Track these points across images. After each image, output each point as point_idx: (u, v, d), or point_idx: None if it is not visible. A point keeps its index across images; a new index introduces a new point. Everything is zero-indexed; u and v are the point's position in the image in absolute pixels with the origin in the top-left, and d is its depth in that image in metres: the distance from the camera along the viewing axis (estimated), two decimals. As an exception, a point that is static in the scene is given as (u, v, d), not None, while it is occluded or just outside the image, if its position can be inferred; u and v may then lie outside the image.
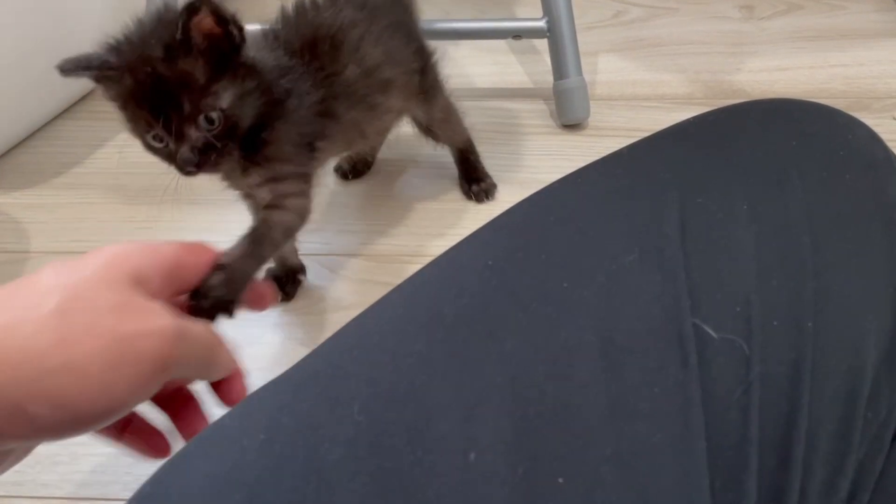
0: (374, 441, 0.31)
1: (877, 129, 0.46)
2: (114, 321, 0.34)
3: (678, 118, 1.00)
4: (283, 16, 0.65)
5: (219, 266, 0.48)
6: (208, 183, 0.68)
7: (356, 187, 0.88)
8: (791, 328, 0.36)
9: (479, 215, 0.84)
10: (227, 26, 0.53)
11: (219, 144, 0.54)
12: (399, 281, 0.76)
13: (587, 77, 0.94)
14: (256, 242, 0.56)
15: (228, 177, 0.63)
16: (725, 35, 1.09)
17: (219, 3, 0.51)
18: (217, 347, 0.43)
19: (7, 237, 0.82)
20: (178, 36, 0.51)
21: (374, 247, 0.81)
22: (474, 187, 0.86)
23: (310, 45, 0.62)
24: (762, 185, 0.41)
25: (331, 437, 0.32)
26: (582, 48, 0.93)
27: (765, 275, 0.37)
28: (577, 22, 0.92)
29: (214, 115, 0.53)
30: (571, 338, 0.35)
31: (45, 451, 0.63)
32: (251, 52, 0.56)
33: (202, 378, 0.43)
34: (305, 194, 0.63)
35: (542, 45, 1.01)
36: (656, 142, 0.48)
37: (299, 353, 0.70)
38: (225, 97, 0.54)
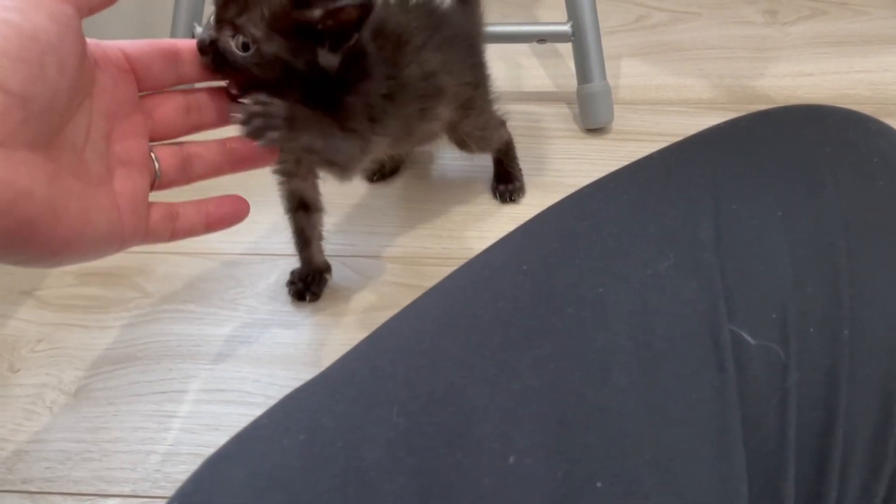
0: (414, 443, 0.31)
1: (904, 137, 0.46)
2: None
3: (702, 123, 1.00)
4: None
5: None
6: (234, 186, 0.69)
7: (382, 189, 0.89)
8: (827, 335, 0.36)
9: (502, 218, 0.84)
10: (348, 38, 0.54)
11: (239, 63, 0.51)
12: (424, 283, 0.77)
13: (610, 81, 0.94)
14: (319, 117, 0.56)
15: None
16: (749, 40, 1.08)
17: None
18: None
19: None
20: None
21: (399, 249, 0.81)
22: (501, 187, 0.86)
23: (378, 35, 0.64)
24: (796, 192, 0.41)
25: (370, 438, 0.32)
26: (605, 52, 0.93)
27: (800, 281, 0.38)
28: (599, 26, 0.93)
29: (251, 45, 0.51)
30: (608, 342, 0.35)
31: (77, 447, 0.64)
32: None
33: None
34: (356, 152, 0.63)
35: (565, 48, 1.01)
36: (688, 146, 0.48)
37: (325, 354, 0.71)
38: (272, 46, 0.52)
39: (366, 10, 0.52)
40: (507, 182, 0.87)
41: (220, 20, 0.51)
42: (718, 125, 0.49)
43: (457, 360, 0.35)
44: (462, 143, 0.82)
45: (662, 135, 0.93)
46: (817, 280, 0.38)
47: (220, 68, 0.50)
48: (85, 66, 0.38)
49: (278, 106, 0.48)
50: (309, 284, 0.75)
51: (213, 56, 0.49)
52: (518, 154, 0.89)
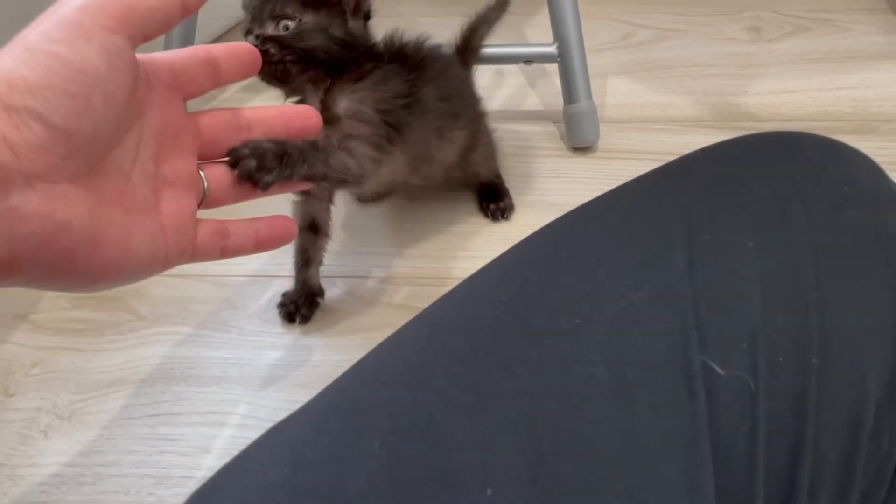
0: (395, 475, 0.32)
1: (883, 153, 0.47)
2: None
3: (687, 141, 1.02)
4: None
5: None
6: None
7: (373, 210, 0.90)
8: (796, 364, 0.37)
9: (491, 237, 0.85)
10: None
11: (282, 51, 0.63)
12: (416, 303, 0.78)
13: (597, 99, 0.95)
14: (314, 147, 0.57)
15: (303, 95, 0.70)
16: (733, 57, 1.10)
17: None
18: None
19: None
20: None
21: (390, 269, 0.82)
22: (492, 206, 0.88)
23: (398, 56, 0.73)
24: (768, 221, 0.42)
25: (353, 471, 0.33)
26: (591, 70, 0.95)
27: (770, 311, 0.39)
28: (586, 44, 0.94)
29: (291, 23, 0.64)
30: (584, 373, 0.36)
31: (71, 471, 0.65)
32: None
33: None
34: (373, 158, 0.66)
35: (552, 67, 1.02)
36: (663, 175, 0.49)
37: (317, 375, 0.72)
38: (310, 16, 0.64)
39: None
40: (497, 200, 0.88)
41: (257, 20, 0.63)
42: (694, 153, 0.50)
43: (437, 392, 0.36)
44: (471, 174, 0.86)
45: (648, 153, 0.94)
46: (787, 309, 0.39)
47: (270, 54, 0.62)
48: (136, 93, 0.38)
49: (268, 144, 0.49)
50: (300, 307, 0.76)
51: (263, 43, 0.62)
52: (505, 173, 0.91)
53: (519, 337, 0.38)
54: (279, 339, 0.75)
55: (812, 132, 0.50)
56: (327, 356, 0.74)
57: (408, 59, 0.73)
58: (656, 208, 0.45)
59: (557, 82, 0.98)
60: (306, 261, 0.77)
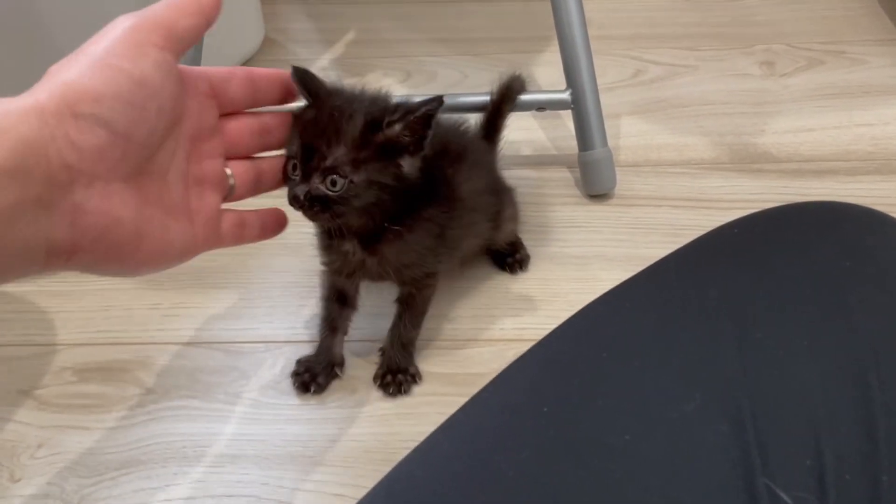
0: None
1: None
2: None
3: (706, 185, 0.99)
4: None
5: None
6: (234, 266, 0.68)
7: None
8: (866, 482, 0.34)
9: (509, 294, 0.83)
10: (426, 137, 0.58)
11: (332, 207, 0.57)
12: (434, 368, 0.75)
13: (610, 142, 0.93)
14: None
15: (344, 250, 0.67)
16: (747, 94, 1.08)
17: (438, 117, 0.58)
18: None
19: (34, 328, 0.82)
20: (393, 120, 0.57)
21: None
22: (509, 259, 0.85)
23: (442, 154, 0.67)
24: (821, 316, 0.40)
25: None
26: (604, 110, 0.92)
27: (833, 420, 0.36)
28: (597, 83, 0.92)
29: (340, 180, 0.56)
30: (637, 501, 0.34)
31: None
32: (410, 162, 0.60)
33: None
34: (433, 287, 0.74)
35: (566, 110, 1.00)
36: (702, 254, 0.47)
37: (336, 451, 0.69)
38: (362, 174, 0.57)
39: (438, 104, 0.57)
40: (514, 252, 0.86)
41: (307, 171, 0.56)
42: (730, 228, 0.48)
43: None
44: (501, 237, 0.84)
45: (667, 198, 0.92)
46: (851, 417, 0.36)
47: (318, 213, 0.57)
48: (178, 102, 0.42)
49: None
50: (316, 375, 0.74)
51: (310, 204, 0.56)
52: (520, 223, 0.88)
53: (564, 457, 0.36)
54: (295, 412, 0.73)
55: (851, 203, 0.48)
56: (346, 429, 0.71)
57: (449, 158, 0.69)
58: (700, 299, 0.42)
59: (569, 124, 0.96)
60: (332, 330, 0.74)
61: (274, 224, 0.53)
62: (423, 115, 0.57)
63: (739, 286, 0.43)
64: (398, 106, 0.58)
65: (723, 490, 0.34)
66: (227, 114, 0.48)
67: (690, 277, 0.45)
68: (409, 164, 0.59)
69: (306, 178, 0.56)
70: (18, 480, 0.68)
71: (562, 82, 0.92)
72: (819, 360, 0.38)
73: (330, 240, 0.66)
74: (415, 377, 0.74)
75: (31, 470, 0.69)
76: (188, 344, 0.79)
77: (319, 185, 0.56)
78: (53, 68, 0.37)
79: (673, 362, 0.39)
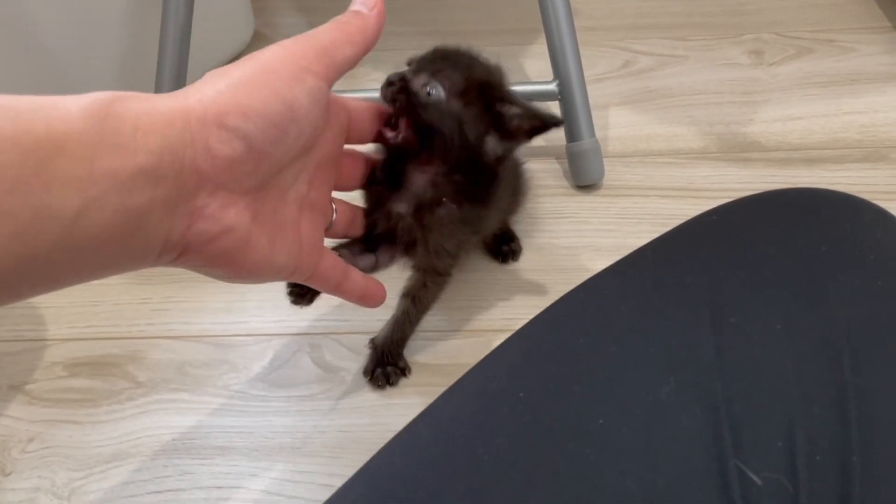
0: None
1: (895, 182, 0.43)
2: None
3: (694, 174, 0.99)
4: None
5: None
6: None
7: (372, 260, 0.88)
8: (836, 462, 0.35)
9: (497, 285, 0.83)
10: (522, 139, 0.58)
11: (413, 106, 0.54)
12: (423, 359, 0.75)
13: (599, 133, 0.93)
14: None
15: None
16: (736, 83, 1.08)
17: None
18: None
19: (24, 324, 0.82)
20: (515, 104, 0.56)
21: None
22: (505, 247, 0.86)
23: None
24: (796, 300, 0.40)
25: None
26: (592, 101, 0.92)
27: (806, 402, 0.36)
28: (585, 73, 0.92)
29: (438, 92, 0.55)
30: (613, 485, 0.34)
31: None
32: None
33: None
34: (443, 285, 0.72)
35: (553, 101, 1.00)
36: (679, 243, 0.47)
37: (323, 442, 0.69)
38: (457, 105, 0.55)
39: (555, 125, 0.57)
40: (508, 241, 0.86)
41: (420, 67, 0.55)
42: (709, 216, 0.48)
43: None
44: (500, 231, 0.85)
45: (655, 188, 0.92)
46: (823, 400, 0.37)
47: (396, 103, 0.53)
48: (318, 131, 0.43)
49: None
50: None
51: (398, 89, 0.53)
52: (510, 214, 0.88)
53: (540, 441, 0.36)
54: (283, 404, 0.73)
55: (829, 189, 0.48)
56: (334, 421, 0.71)
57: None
58: (677, 287, 0.42)
59: (557, 114, 0.95)
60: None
61: (375, 295, 0.54)
62: (540, 125, 0.57)
63: (716, 272, 0.43)
64: (529, 106, 0.57)
65: (696, 472, 0.35)
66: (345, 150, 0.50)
67: (667, 265, 0.45)
68: (493, 143, 0.58)
69: (416, 72, 0.55)
70: (10, 474, 0.69)
71: (551, 74, 0.92)
72: (793, 343, 0.38)
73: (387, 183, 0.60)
74: (404, 371, 0.75)
75: (22, 464, 0.69)
76: (177, 338, 0.79)
77: (419, 83, 0.54)
78: (213, 73, 0.37)
79: (649, 348, 0.39)
